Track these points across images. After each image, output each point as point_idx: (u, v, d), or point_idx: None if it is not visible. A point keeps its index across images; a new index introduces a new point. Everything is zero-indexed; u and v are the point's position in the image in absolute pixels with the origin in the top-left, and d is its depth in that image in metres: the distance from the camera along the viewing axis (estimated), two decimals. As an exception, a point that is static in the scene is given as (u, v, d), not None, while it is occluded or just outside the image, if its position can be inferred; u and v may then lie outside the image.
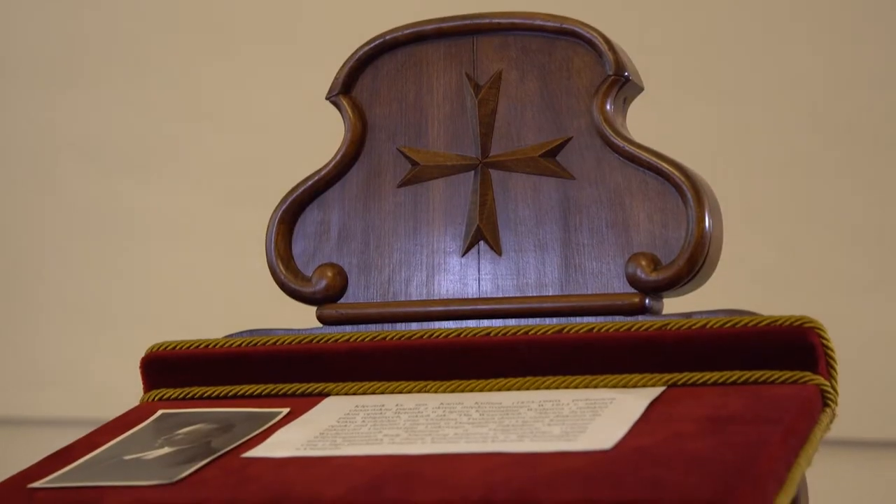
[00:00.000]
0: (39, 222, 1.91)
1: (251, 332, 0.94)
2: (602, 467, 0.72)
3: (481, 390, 0.86)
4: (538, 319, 0.89)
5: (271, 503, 0.74)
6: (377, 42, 0.95)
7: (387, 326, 0.92)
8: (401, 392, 0.88)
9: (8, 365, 1.91)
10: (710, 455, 0.71)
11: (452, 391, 0.87)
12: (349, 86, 0.96)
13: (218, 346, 0.93)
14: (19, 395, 1.90)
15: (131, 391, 0.97)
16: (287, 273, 0.94)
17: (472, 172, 0.93)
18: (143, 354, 0.95)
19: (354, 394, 0.89)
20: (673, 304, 0.89)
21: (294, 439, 0.82)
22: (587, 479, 0.71)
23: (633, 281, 0.88)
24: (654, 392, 0.82)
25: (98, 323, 1.86)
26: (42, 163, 1.90)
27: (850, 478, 1.56)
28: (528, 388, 0.86)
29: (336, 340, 0.91)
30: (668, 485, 0.69)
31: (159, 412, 0.90)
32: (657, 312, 0.88)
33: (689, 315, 0.85)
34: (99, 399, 1.61)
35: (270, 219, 0.95)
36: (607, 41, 0.90)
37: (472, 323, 0.91)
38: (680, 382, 0.83)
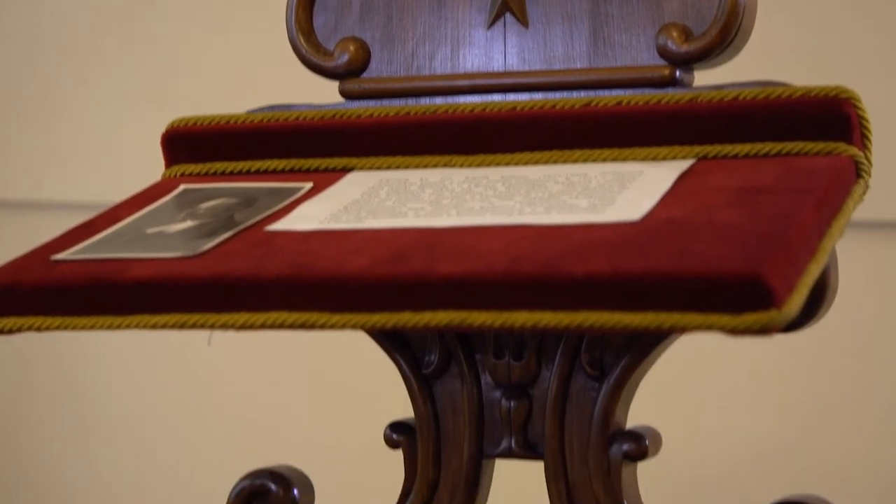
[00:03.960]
0: (56, 5, 1.88)
1: (273, 107, 0.93)
2: (630, 238, 0.71)
3: (507, 164, 0.85)
4: (565, 93, 0.87)
5: (295, 275, 0.74)
6: None
7: (411, 101, 0.90)
8: (425, 167, 0.87)
9: (29, 148, 1.91)
10: (741, 225, 0.70)
11: (478, 165, 0.86)
12: None
13: (239, 121, 0.92)
14: (41, 178, 1.90)
15: (152, 173, 0.96)
16: (308, 47, 0.92)
17: (499, -59, 0.89)
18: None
19: (378, 168, 0.88)
20: (704, 78, 0.87)
21: (318, 213, 0.81)
22: (614, 249, 0.70)
23: (663, 52, 0.85)
24: (684, 164, 0.80)
25: (119, 104, 1.85)
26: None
27: (879, 259, 1.55)
28: (554, 162, 0.84)
29: (359, 115, 0.89)
30: (697, 254, 0.68)
31: (181, 187, 0.89)
32: (688, 85, 0.86)
33: (720, 87, 0.83)
34: (119, 181, 1.60)
35: (291, -9, 0.93)
36: None
37: (497, 97, 0.89)
38: (710, 155, 0.81)
